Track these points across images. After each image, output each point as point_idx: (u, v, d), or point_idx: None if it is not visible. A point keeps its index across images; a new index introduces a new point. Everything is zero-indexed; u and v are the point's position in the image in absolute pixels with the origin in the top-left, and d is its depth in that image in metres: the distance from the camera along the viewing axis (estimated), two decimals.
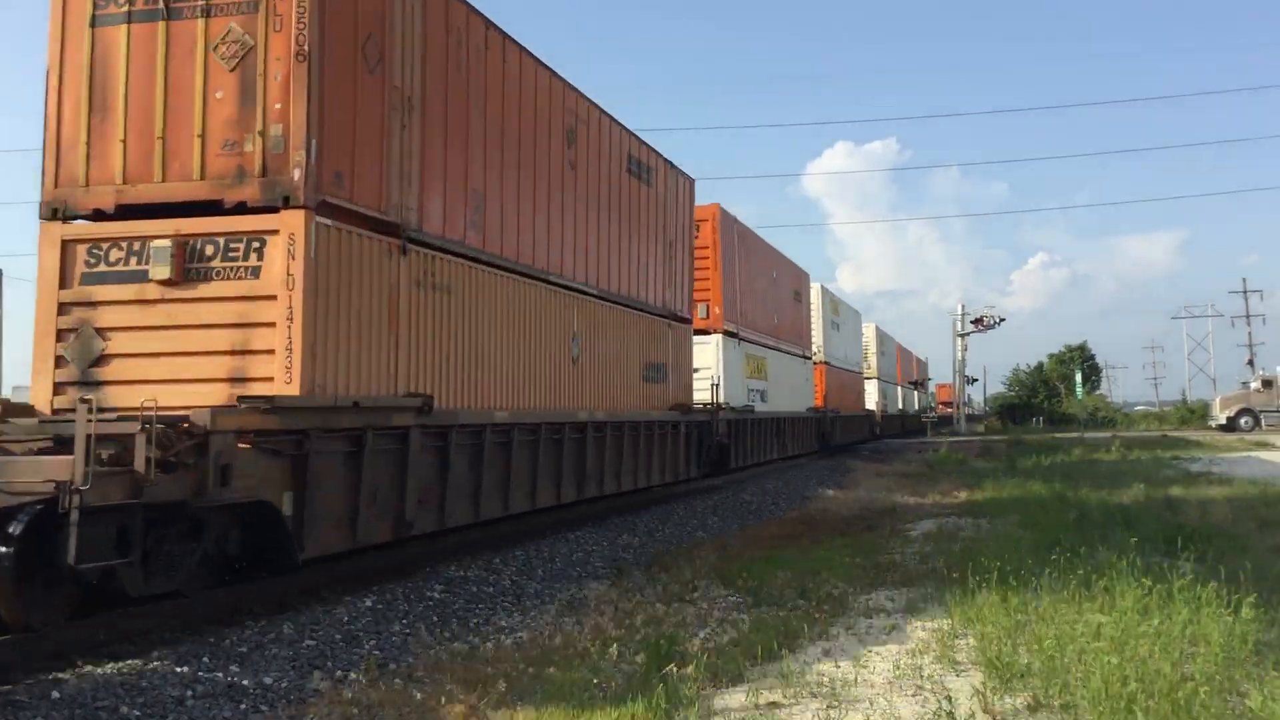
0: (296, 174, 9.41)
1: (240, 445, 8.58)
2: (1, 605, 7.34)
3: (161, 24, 9.79)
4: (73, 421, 7.43)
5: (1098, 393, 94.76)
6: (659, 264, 20.01)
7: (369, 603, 9.75)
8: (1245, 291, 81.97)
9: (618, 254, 17.76)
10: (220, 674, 7.47)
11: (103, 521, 7.41)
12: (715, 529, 17.66)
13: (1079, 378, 61.56)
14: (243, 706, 7.04)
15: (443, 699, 7.10)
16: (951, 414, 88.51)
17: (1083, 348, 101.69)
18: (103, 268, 9.77)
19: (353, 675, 7.84)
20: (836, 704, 6.64)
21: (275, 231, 9.38)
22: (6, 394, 20.03)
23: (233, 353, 9.40)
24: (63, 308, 9.79)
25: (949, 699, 6.41)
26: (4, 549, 7.19)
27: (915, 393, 75.47)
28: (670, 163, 20.70)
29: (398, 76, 10.87)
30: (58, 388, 9.74)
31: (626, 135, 18.34)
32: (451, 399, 11.79)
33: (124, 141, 9.87)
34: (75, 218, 10.02)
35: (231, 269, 9.53)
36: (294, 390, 9.14)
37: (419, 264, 11.21)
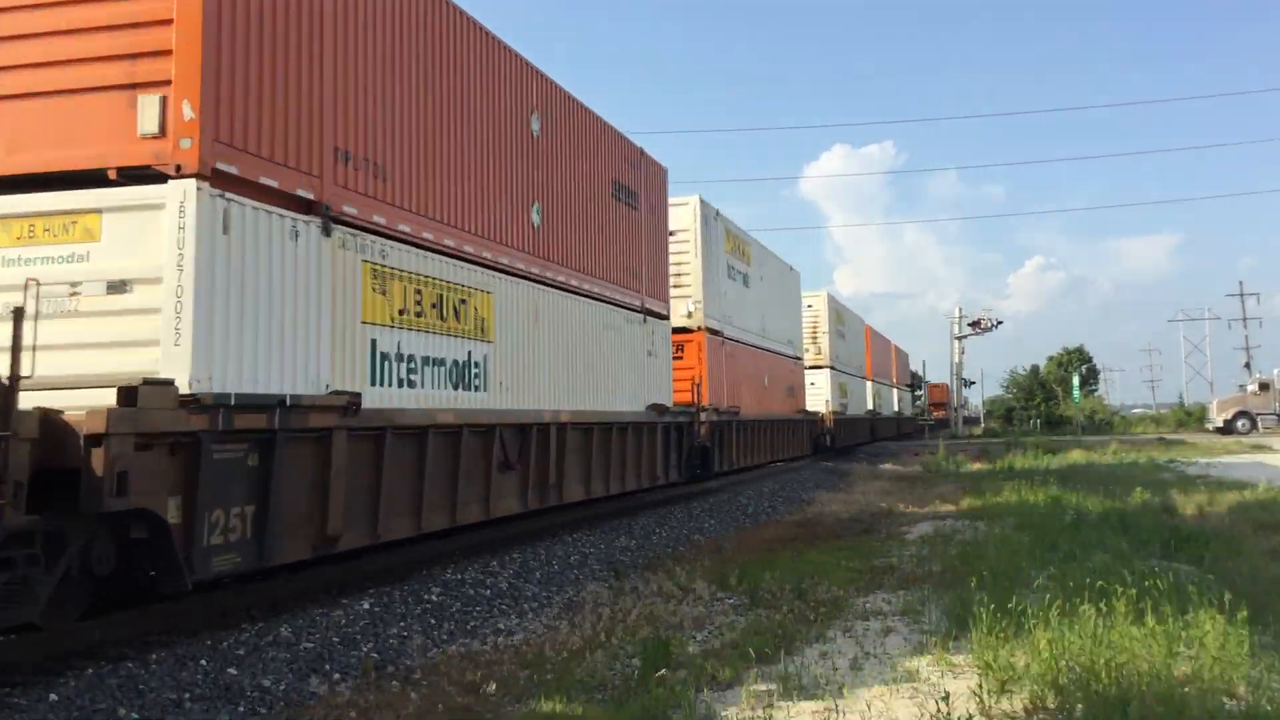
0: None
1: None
2: None
3: None
4: None
5: (1095, 395, 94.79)
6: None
7: (366, 605, 9.76)
8: (1242, 294, 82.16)
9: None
10: (218, 676, 7.48)
11: None
12: (712, 532, 17.67)
13: (1076, 381, 61.59)
14: (240, 709, 7.05)
15: (440, 702, 7.11)
16: (946, 416, 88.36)
17: (1081, 350, 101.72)
18: None
19: (350, 678, 7.85)
20: (834, 706, 6.65)
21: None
22: None
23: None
24: None
25: (946, 701, 6.42)
26: None
27: (895, 390, 66.32)
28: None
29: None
30: None
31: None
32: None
33: None
34: None
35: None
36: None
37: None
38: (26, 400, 6.98)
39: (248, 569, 8.74)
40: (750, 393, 27.58)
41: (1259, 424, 59.04)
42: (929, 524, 17.38)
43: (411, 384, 11.21)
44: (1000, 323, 73.55)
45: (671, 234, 22.33)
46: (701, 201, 24.40)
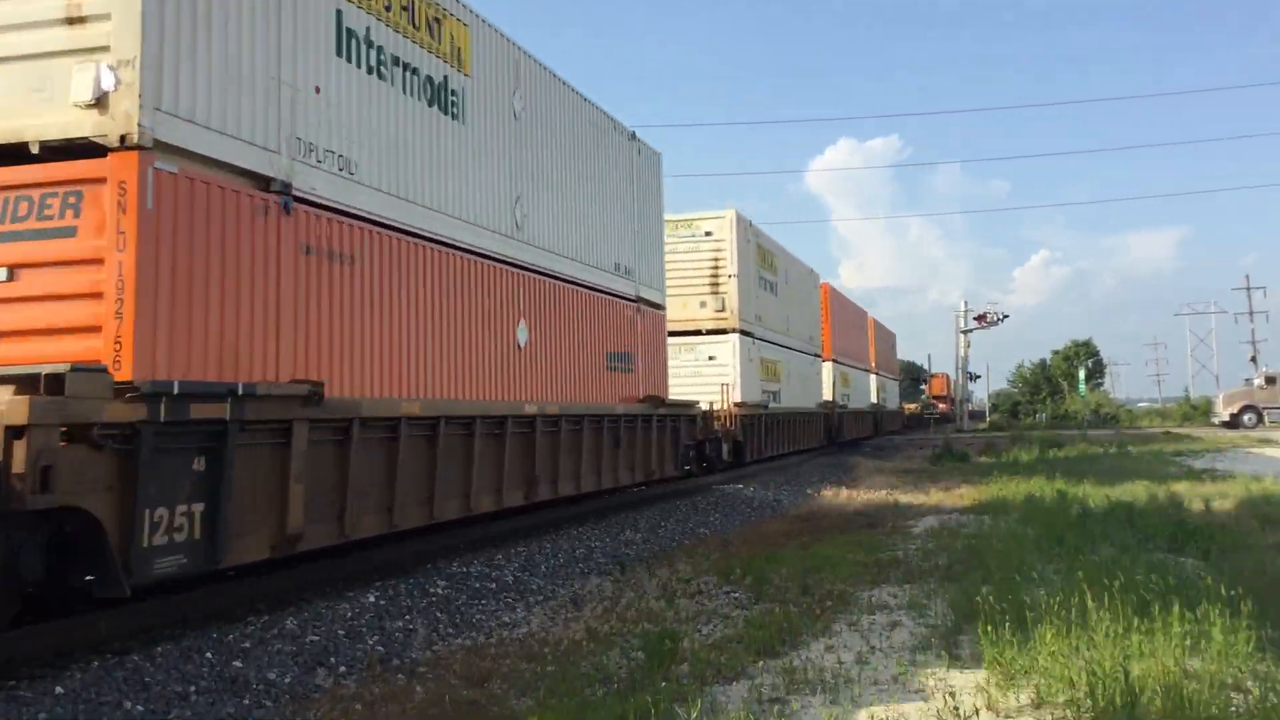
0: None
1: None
2: None
3: None
4: None
5: (1101, 389, 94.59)
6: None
7: (372, 598, 9.76)
8: (1248, 288, 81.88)
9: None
10: (223, 669, 7.49)
11: None
12: (717, 526, 17.66)
13: (1082, 375, 61.42)
14: (246, 701, 7.05)
15: (446, 695, 7.11)
16: (949, 410, 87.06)
17: (1088, 344, 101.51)
18: None
19: (356, 671, 7.86)
20: (839, 700, 6.64)
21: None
22: None
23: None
24: None
25: (953, 695, 6.41)
26: None
27: (873, 378, 53.91)
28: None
29: None
30: None
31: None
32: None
33: None
34: None
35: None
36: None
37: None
38: None
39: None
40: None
41: (1265, 418, 58.86)
42: (934, 518, 17.36)
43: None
44: (1005, 317, 73.40)
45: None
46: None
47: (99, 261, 7.76)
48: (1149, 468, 27.43)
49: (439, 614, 9.77)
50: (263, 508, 8.79)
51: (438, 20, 12.30)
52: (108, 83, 7.85)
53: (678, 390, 22.30)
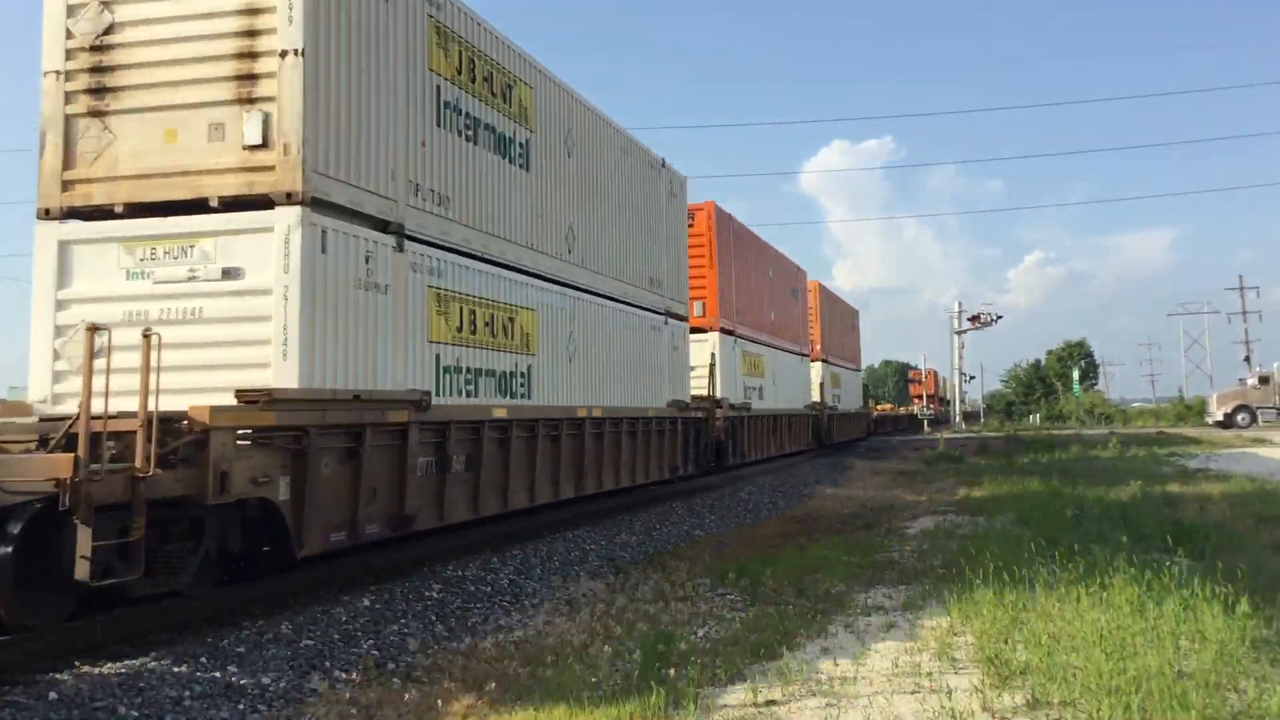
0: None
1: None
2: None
3: None
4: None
5: (1095, 390, 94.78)
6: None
7: (367, 602, 9.75)
8: (1242, 288, 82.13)
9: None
10: (218, 674, 7.47)
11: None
12: (713, 528, 17.66)
13: (1076, 375, 61.53)
14: (240, 706, 7.04)
15: (440, 699, 7.11)
16: (939, 411, 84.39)
17: (1082, 344, 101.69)
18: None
19: (351, 675, 7.84)
20: (836, 702, 6.65)
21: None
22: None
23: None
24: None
25: (948, 696, 6.42)
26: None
27: (815, 369, 39.59)
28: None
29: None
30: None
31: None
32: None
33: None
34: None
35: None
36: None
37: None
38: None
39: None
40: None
41: (1259, 418, 58.97)
42: (929, 518, 17.38)
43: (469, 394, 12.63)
44: (1000, 317, 73.72)
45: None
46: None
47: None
48: (1143, 468, 27.48)
49: (434, 617, 9.75)
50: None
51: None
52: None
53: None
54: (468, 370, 12.52)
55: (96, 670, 7.23)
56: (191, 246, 9.71)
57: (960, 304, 74.26)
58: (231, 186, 9.67)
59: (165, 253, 9.80)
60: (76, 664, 7.32)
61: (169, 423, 7.97)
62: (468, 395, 12.48)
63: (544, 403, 14.55)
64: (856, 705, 6.57)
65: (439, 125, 12.09)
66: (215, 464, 8.21)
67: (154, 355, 7.66)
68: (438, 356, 11.79)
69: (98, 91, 10.03)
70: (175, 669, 7.40)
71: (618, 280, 18.03)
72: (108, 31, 10.02)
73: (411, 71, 11.45)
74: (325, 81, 9.91)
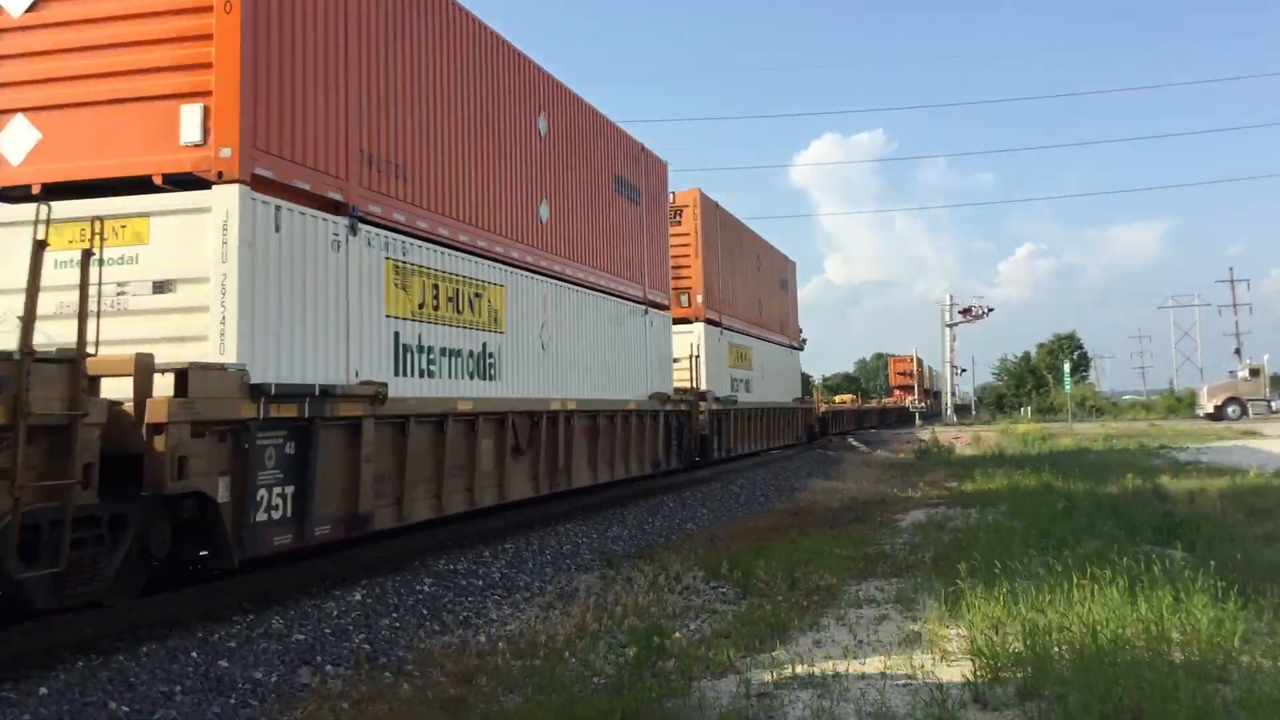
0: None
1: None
2: None
3: None
4: None
5: (1086, 382, 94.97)
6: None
7: (358, 596, 9.73)
8: (1232, 280, 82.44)
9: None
10: (209, 669, 7.45)
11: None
12: (705, 521, 17.67)
13: (1067, 368, 61.59)
14: (232, 701, 7.02)
15: (432, 693, 7.09)
16: (910, 403, 76.75)
17: (1072, 337, 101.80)
18: None
19: (342, 669, 7.82)
20: (827, 694, 6.64)
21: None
22: None
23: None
24: None
25: (940, 688, 6.42)
26: None
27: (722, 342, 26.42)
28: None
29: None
30: None
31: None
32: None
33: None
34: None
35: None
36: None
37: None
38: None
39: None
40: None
41: (1249, 410, 59.19)
42: (921, 511, 17.40)
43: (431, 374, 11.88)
44: (991, 310, 73.72)
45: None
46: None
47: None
48: (1134, 460, 27.56)
49: (426, 611, 9.74)
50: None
51: None
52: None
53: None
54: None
55: (87, 665, 7.19)
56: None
57: (952, 297, 74.19)
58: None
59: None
60: (66, 659, 7.28)
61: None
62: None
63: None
64: (848, 697, 6.57)
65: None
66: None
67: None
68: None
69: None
70: (166, 664, 7.38)
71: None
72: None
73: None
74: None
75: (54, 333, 8.09)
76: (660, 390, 20.28)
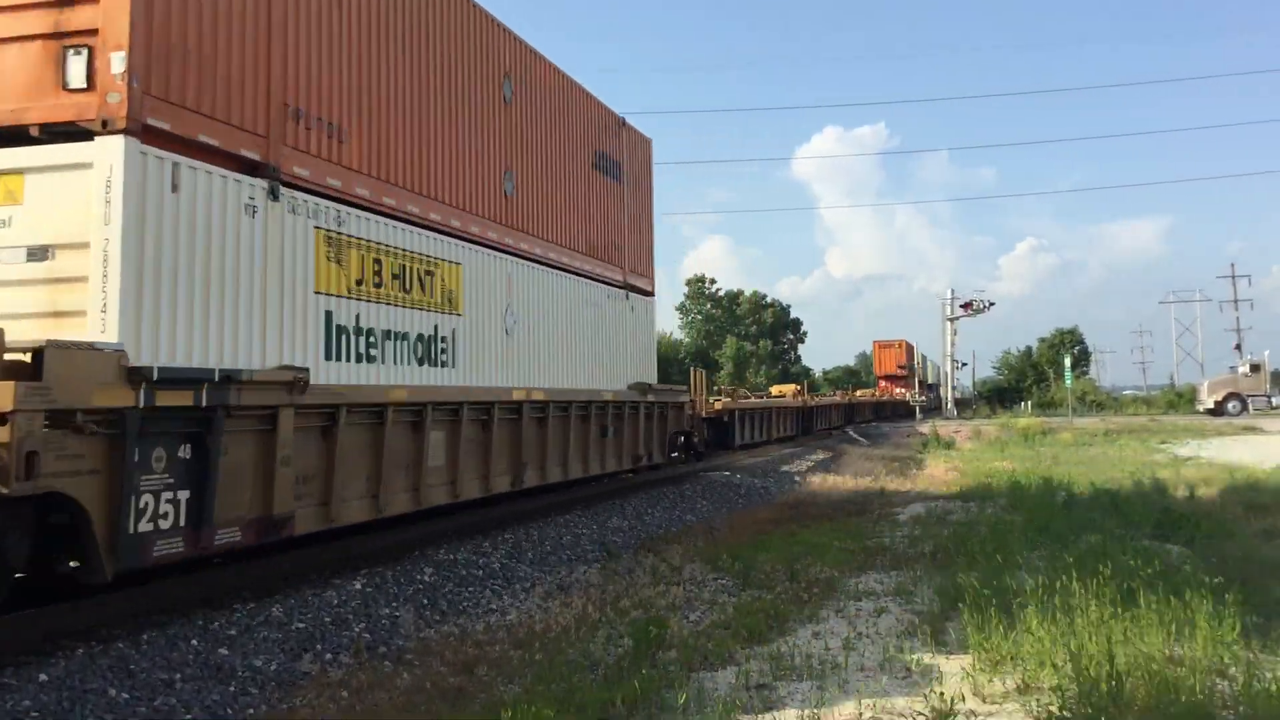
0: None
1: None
2: None
3: None
4: None
5: (1087, 377, 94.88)
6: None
7: (358, 585, 9.74)
8: (1233, 276, 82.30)
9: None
10: (209, 656, 7.46)
11: None
12: (704, 513, 17.68)
13: (1068, 362, 61.50)
14: (232, 689, 7.03)
15: (432, 682, 7.10)
16: (907, 395, 70.32)
17: (1074, 332, 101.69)
18: None
19: (342, 658, 7.84)
20: (826, 686, 6.65)
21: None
22: None
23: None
24: None
25: (939, 681, 6.42)
26: None
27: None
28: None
29: None
30: None
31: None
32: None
33: None
34: None
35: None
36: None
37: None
38: None
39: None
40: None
41: (1250, 406, 59.10)
42: (921, 505, 17.40)
43: (371, 359, 10.81)
44: (992, 304, 73.37)
45: None
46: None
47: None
48: (1134, 455, 27.55)
49: (426, 601, 9.75)
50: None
51: None
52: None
53: None
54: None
55: (87, 653, 7.20)
56: None
57: (952, 291, 73.90)
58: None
59: None
60: (66, 646, 7.29)
61: None
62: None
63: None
64: (847, 690, 6.58)
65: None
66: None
67: None
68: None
69: None
70: (166, 651, 7.39)
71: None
72: None
73: None
74: None
75: None
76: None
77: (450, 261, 12.62)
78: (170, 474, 7.87)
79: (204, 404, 8.03)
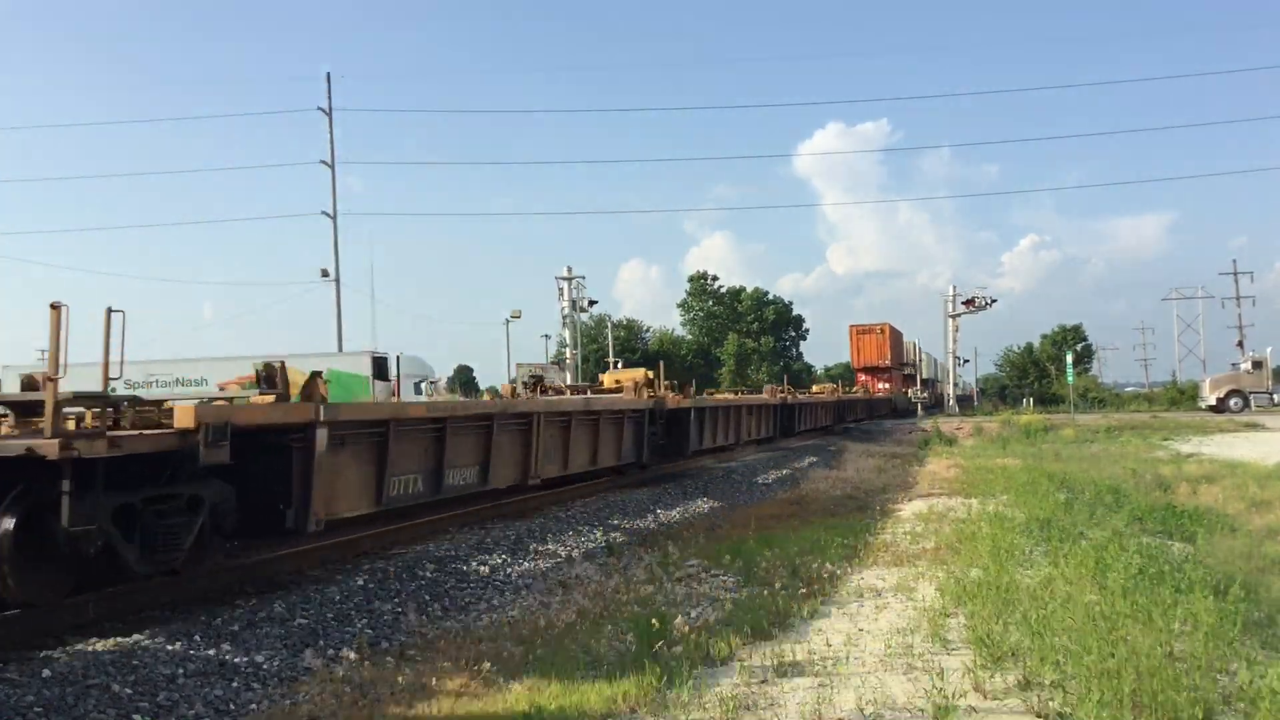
0: None
1: None
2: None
3: None
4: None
5: (1089, 374, 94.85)
6: None
7: (361, 581, 9.75)
8: (1235, 273, 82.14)
9: None
10: (212, 652, 7.47)
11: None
12: (706, 509, 17.67)
13: (1070, 359, 61.43)
14: (234, 684, 7.04)
15: (434, 677, 7.11)
16: (891, 391, 61.87)
17: (1077, 328, 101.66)
18: None
19: (345, 653, 7.84)
20: (828, 682, 6.66)
21: None
22: None
23: None
24: None
25: (940, 677, 6.42)
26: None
27: None
28: None
29: None
30: None
31: None
32: None
33: None
34: None
35: None
36: None
37: None
38: None
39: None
40: None
41: (1252, 402, 59.08)
42: (922, 501, 17.40)
43: None
44: (994, 301, 73.34)
45: None
46: None
47: None
48: (1136, 451, 27.55)
49: (428, 596, 9.75)
50: None
51: None
52: None
53: None
54: None
55: (90, 647, 7.22)
56: None
57: (955, 288, 73.80)
58: None
59: None
60: (70, 641, 7.31)
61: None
62: None
63: None
64: (849, 685, 6.59)
65: None
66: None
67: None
68: None
69: None
70: (169, 646, 7.40)
71: None
72: None
73: None
74: None
75: None
76: None
77: None
78: None
79: None
